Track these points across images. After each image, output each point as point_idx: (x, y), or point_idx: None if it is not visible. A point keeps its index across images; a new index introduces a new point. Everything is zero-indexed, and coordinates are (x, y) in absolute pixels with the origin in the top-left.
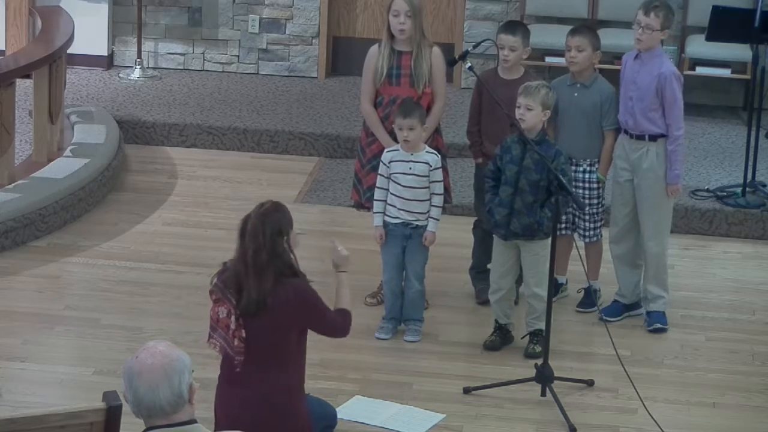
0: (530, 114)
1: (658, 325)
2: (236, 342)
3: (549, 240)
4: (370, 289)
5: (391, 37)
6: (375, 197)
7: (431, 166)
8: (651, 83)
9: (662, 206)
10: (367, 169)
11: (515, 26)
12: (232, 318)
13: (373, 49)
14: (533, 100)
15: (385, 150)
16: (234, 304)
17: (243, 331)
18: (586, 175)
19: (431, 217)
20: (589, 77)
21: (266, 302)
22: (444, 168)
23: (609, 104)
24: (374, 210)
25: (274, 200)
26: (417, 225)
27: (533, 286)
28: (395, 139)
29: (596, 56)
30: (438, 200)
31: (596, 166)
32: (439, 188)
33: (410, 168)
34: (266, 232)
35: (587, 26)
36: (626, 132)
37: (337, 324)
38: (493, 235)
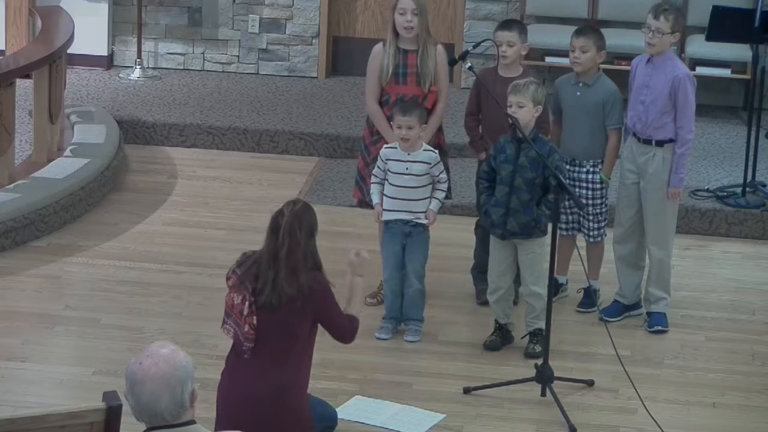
0: (522, 111)
1: (659, 327)
2: (246, 328)
3: (546, 238)
4: (370, 289)
5: (396, 35)
6: (372, 182)
7: (430, 164)
8: (665, 86)
9: (667, 211)
10: (372, 167)
11: (510, 23)
12: (246, 304)
13: (377, 47)
14: (524, 96)
15: (384, 146)
16: (250, 292)
17: (254, 318)
18: (589, 176)
19: (434, 198)
20: (592, 77)
21: (295, 297)
22: (446, 166)
23: (612, 103)
24: (371, 192)
25: (304, 201)
26: (417, 223)
27: (531, 285)
28: None
29: (600, 56)
30: (442, 187)
31: (599, 166)
32: (442, 178)
33: (407, 168)
34: (302, 230)
35: (592, 27)
36: (635, 135)
37: (346, 329)
38: (490, 235)
